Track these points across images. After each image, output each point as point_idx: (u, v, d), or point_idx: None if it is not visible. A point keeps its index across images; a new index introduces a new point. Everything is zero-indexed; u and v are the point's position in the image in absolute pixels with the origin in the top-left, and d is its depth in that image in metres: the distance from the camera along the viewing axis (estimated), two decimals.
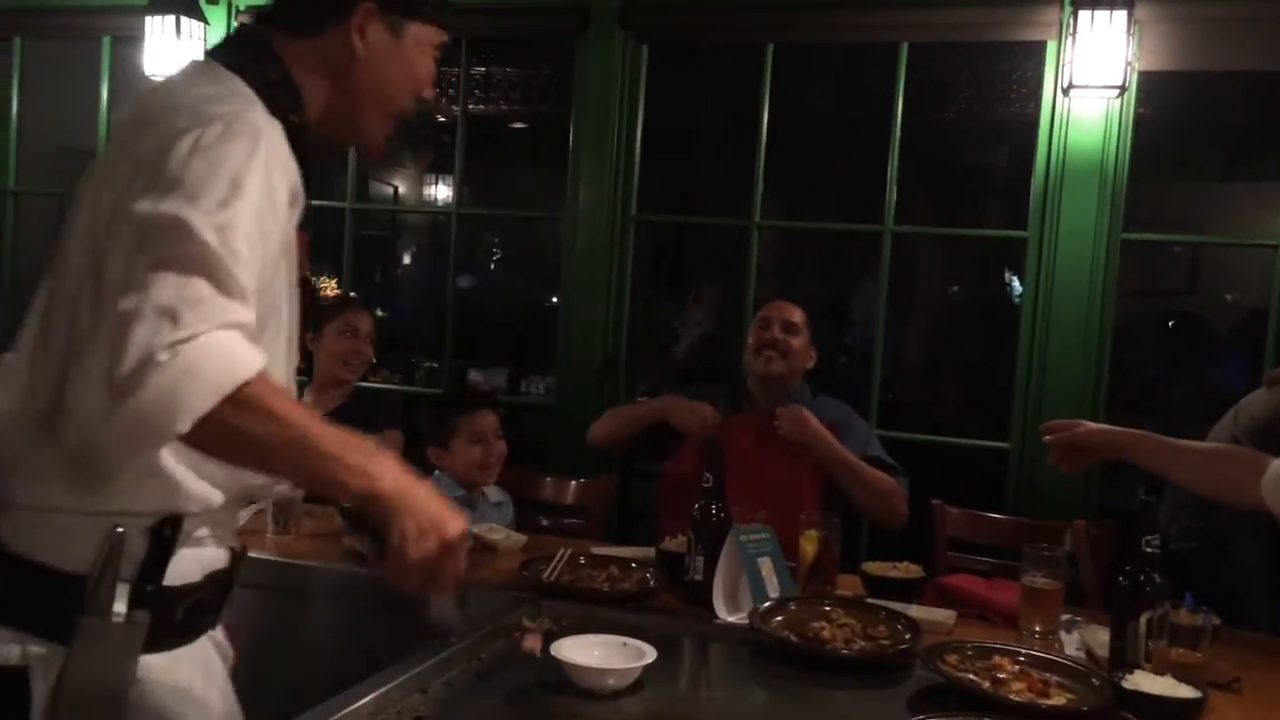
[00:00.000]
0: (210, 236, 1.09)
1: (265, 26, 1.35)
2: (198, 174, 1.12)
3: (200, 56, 1.36)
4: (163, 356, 1.03)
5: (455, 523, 1.20)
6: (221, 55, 1.32)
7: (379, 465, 1.16)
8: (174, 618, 1.26)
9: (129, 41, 4.24)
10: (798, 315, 2.98)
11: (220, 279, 1.09)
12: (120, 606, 1.21)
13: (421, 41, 1.39)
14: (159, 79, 1.37)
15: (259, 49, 1.31)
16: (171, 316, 1.05)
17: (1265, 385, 3.03)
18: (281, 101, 1.28)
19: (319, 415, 1.18)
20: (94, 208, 1.20)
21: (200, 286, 1.08)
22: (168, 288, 1.06)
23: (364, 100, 1.38)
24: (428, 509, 1.18)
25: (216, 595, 1.34)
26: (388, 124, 1.42)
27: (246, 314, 1.12)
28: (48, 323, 1.23)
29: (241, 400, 1.08)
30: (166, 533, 1.23)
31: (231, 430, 1.08)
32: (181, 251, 1.08)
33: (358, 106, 1.38)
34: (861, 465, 2.76)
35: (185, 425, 1.05)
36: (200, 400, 1.05)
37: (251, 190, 1.14)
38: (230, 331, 1.09)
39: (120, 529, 1.20)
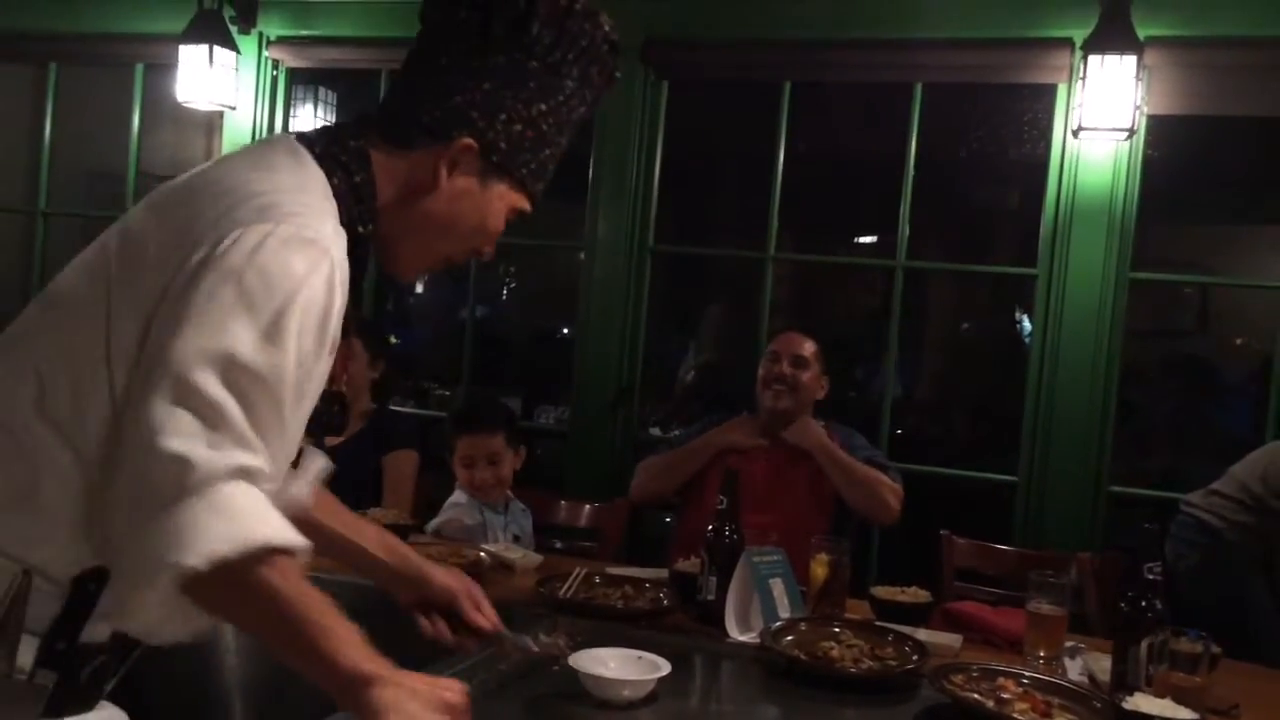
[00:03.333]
0: (255, 390, 1.05)
1: (363, 128, 1.27)
2: (252, 290, 1.05)
3: (292, 132, 1.29)
4: (189, 498, 1.00)
5: (454, 694, 1.14)
6: (314, 142, 1.23)
7: (374, 656, 1.09)
8: (79, 681, 1.13)
9: (161, 70, 4.35)
10: (807, 348, 3.04)
11: (253, 422, 1.05)
12: (25, 663, 1.09)
13: (504, 198, 1.32)
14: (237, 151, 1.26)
15: (356, 150, 1.24)
16: (193, 461, 1.00)
17: None
18: (355, 209, 1.21)
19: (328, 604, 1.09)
20: (119, 241, 1.15)
21: (228, 429, 1.03)
22: (195, 428, 1.02)
23: (422, 230, 1.29)
24: (422, 695, 1.10)
25: (118, 659, 1.20)
26: (431, 261, 1.35)
27: (261, 460, 1.05)
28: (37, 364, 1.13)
29: (262, 562, 1.02)
30: (91, 586, 1.10)
31: (240, 590, 1.03)
32: (213, 395, 1.03)
33: (413, 233, 1.30)
34: (851, 461, 2.88)
35: (199, 563, 0.98)
36: (217, 545, 0.99)
37: (298, 319, 1.07)
38: (253, 490, 1.05)
39: (26, 571, 1.08)
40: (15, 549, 1.09)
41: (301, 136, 1.25)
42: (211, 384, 1.02)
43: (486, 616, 1.59)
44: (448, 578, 1.59)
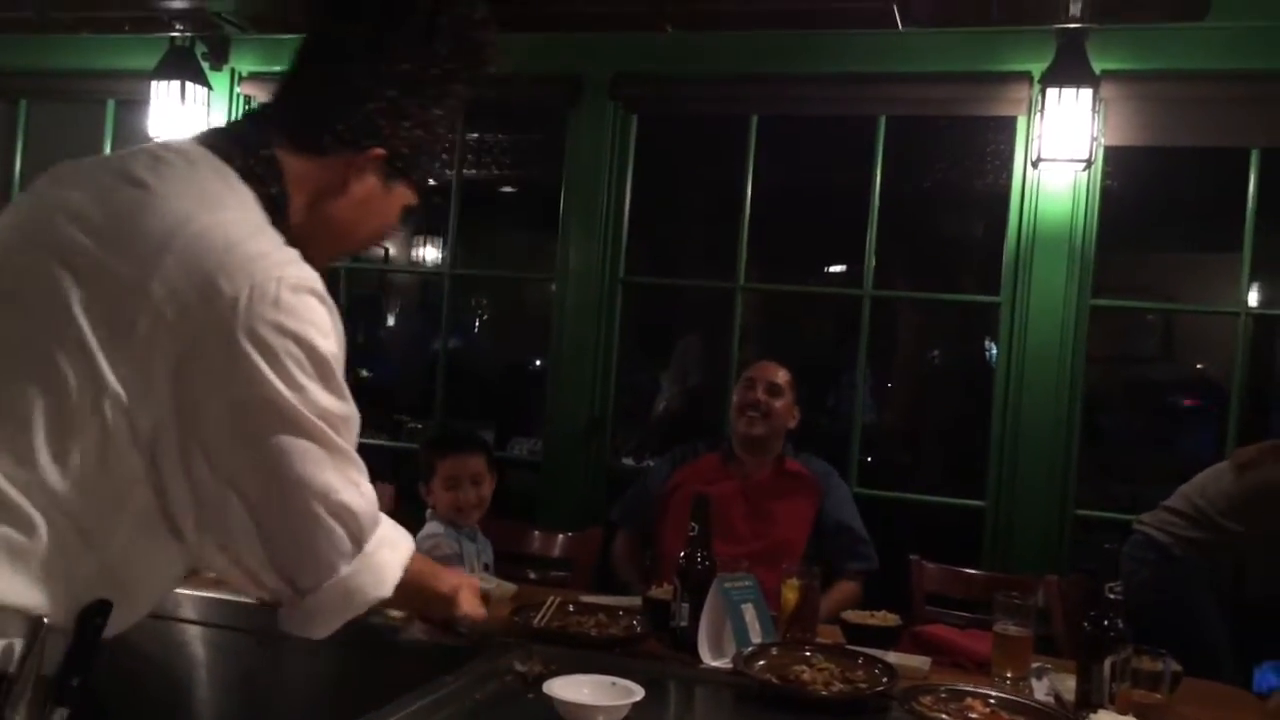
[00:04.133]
0: (346, 432, 1.21)
1: (268, 132, 1.28)
2: (293, 350, 1.13)
3: (204, 132, 1.29)
4: (366, 545, 1.26)
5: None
6: (230, 157, 1.23)
7: (449, 578, 1.80)
8: (87, 713, 1.17)
9: (133, 105, 4.37)
10: (782, 376, 3.10)
11: (357, 464, 1.25)
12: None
13: (402, 198, 1.39)
14: (160, 143, 1.26)
15: (267, 159, 1.26)
16: (356, 523, 1.24)
17: (1233, 467, 3.11)
18: (273, 220, 1.23)
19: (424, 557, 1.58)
20: (72, 275, 1.12)
21: (362, 481, 1.25)
22: (343, 493, 1.21)
23: (328, 233, 1.33)
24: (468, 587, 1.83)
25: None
26: (333, 259, 1.39)
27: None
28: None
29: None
30: (98, 620, 1.14)
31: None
32: (337, 447, 1.20)
33: (319, 236, 1.31)
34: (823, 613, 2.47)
35: (389, 592, 1.31)
36: (397, 573, 1.33)
37: (336, 364, 1.20)
38: (385, 522, 1.33)
39: (46, 618, 1.09)
40: (18, 600, 1.08)
41: (215, 148, 1.24)
42: (326, 431, 1.18)
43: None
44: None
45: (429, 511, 2.89)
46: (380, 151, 1.31)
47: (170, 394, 1.11)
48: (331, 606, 1.26)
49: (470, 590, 1.78)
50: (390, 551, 1.32)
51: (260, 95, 4.32)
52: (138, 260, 1.12)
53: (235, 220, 1.17)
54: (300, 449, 1.16)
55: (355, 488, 1.23)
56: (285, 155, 1.27)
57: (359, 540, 1.25)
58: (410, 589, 1.44)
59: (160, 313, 1.10)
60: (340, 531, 1.22)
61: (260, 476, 1.16)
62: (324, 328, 1.17)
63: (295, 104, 1.33)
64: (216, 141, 1.26)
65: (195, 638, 2.32)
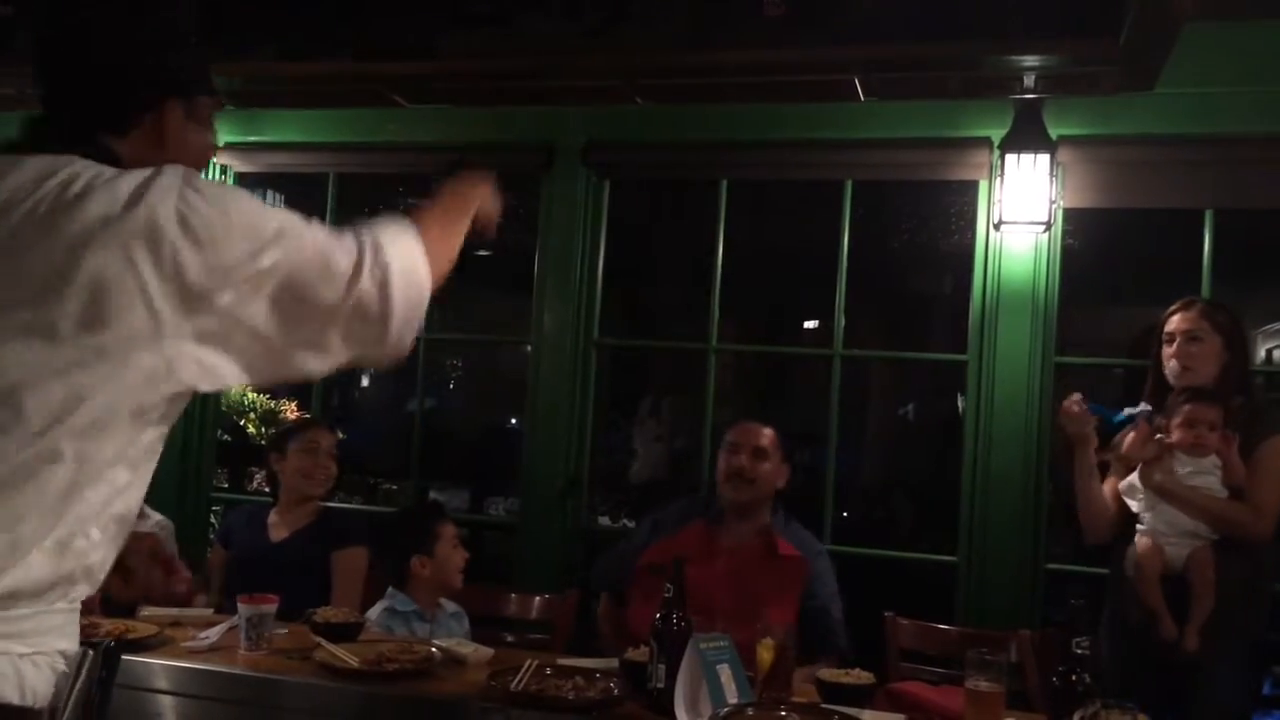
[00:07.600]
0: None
1: (90, 134, 1.32)
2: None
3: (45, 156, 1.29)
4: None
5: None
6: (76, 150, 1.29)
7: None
8: None
9: None
10: (766, 439, 3.09)
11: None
12: None
13: (208, 112, 1.44)
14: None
15: (106, 149, 1.31)
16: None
17: None
18: None
19: None
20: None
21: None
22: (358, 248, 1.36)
23: None
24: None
25: None
26: None
27: None
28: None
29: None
30: (117, 655, 1.26)
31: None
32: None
33: None
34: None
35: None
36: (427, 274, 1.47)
37: None
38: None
39: (89, 651, 1.19)
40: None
41: (55, 149, 1.29)
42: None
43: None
44: None
45: (390, 590, 2.94)
46: (173, 104, 1.37)
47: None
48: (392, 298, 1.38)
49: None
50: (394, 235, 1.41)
51: (237, 164, 4.38)
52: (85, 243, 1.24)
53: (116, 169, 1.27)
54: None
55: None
56: (115, 143, 1.33)
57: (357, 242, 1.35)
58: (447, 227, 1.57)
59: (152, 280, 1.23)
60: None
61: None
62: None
63: (79, 99, 1.35)
64: (61, 150, 1.30)
65: (169, 708, 2.32)
